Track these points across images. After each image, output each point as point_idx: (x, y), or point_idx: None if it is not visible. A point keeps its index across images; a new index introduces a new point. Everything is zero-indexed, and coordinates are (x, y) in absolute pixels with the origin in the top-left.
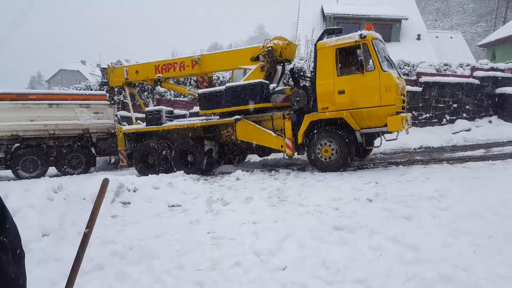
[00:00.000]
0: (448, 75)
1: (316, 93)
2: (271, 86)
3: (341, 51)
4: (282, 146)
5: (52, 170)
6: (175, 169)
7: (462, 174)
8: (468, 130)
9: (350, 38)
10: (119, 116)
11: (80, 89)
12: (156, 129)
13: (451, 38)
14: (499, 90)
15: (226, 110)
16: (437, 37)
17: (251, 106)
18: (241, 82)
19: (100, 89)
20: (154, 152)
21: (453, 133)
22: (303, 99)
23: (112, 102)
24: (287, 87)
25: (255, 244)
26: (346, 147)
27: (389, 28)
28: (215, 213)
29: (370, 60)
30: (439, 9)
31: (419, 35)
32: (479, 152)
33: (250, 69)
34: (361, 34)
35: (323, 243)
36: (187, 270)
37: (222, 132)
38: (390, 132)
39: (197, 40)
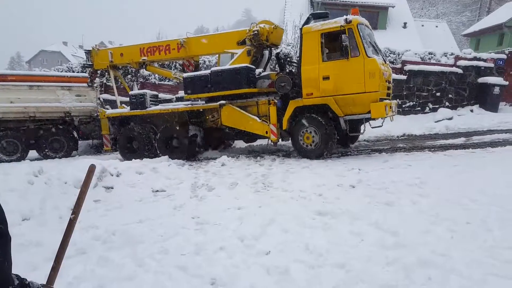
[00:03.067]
0: (432, 64)
1: (301, 78)
2: (257, 71)
3: (326, 36)
4: (266, 132)
5: (32, 153)
6: (160, 154)
7: (443, 162)
8: (450, 118)
9: (335, 22)
10: (101, 99)
11: (62, 71)
12: (140, 113)
13: (437, 27)
14: (481, 80)
15: (211, 95)
16: (423, 25)
17: (236, 91)
18: (227, 66)
19: (83, 71)
20: (139, 137)
21: (435, 122)
22: (288, 84)
23: (90, 85)
24: (273, 72)
25: (240, 229)
26: (327, 134)
27: (376, 15)
28: (200, 198)
29: (355, 46)
30: None
31: (405, 23)
32: (460, 140)
33: (237, 53)
34: (346, 18)
35: (306, 228)
36: (171, 255)
37: (207, 118)
38: (374, 119)
39: (183, 23)
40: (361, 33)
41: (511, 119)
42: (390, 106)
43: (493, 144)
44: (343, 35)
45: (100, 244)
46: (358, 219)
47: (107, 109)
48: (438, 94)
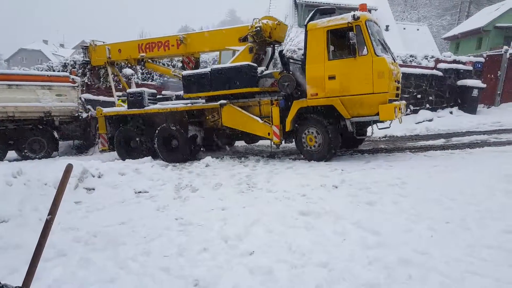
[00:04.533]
0: (413, 66)
1: (305, 77)
2: (260, 69)
3: (332, 33)
4: (269, 134)
5: (11, 154)
6: (159, 155)
7: (423, 162)
8: (431, 120)
9: (342, 19)
10: (83, 99)
11: (42, 70)
12: (138, 112)
13: (418, 30)
14: (460, 82)
15: (211, 94)
16: (404, 28)
17: (237, 91)
18: (227, 64)
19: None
20: (136, 137)
21: (416, 123)
22: (292, 84)
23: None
24: (276, 70)
25: (223, 230)
26: (330, 136)
27: None
28: (184, 199)
29: (363, 44)
30: (407, 1)
31: (387, 26)
32: (440, 141)
33: (238, 50)
34: (354, 15)
35: (290, 228)
36: (154, 256)
37: (208, 118)
38: (383, 121)
39: (166, 23)
40: (369, 30)
41: (489, 121)
42: (400, 108)
43: (471, 145)
44: (350, 32)
45: (81, 246)
46: (341, 218)
47: (89, 109)
48: (419, 96)
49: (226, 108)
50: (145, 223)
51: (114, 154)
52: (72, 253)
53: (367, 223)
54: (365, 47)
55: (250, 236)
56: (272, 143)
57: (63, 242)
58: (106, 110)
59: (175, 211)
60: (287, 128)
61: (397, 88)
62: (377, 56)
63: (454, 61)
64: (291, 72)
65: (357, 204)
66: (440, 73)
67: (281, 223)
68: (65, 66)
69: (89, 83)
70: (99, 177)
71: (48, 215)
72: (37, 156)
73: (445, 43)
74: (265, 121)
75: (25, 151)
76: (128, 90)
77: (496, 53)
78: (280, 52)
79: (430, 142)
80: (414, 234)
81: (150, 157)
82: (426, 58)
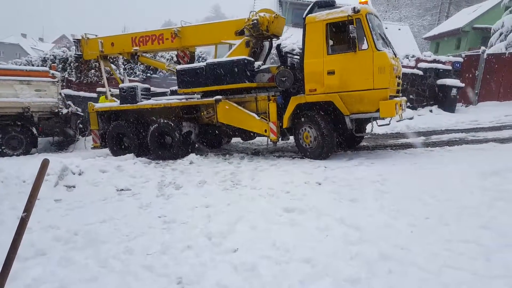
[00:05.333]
0: None
1: (303, 72)
2: (256, 64)
3: (331, 27)
4: (266, 131)
5: None
6: (152, 152)
7: (404, 160)
8: (411, 118)
9: (342, 12)
10: (63, 95)
11: (21, 65)
12: (130, 108)
13: (399, 29)
14: (440, 81)
15: (205, 90)
16: (386, 28)
17: (233, 86)
18: (223, 58)
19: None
20: (129, 133)
21: (397, 121)
22: (289, 79)
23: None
24: (273, 65)
25: (207, 227)
26: (325, 133)
27: None
28: (167, 197)
29: (364, 38)
30: (390, 1)
31: None
32: (420, 139)
33: (235, 44)
34: (354, 7)
35: (274, 224)
36: (136, 255)
37: (202, 114)
38: (383, 118)
39: (149, 18)
40: (370, 24)
41: (467, 119)
42: (400, 104)
43: (450, 143)
44: (350, 26)
45: (61, 244)
46: (324, 215)
47: (69, 105)
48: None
49: (222, 104)
50: (128, 221)
51: (97, 151)
52: (52, 252)
53: (349, 219)
54: (366, 41)
55: (234, 233)
56: (269, 140)
57: (43, 241)
58: (98, 105)
59: (159, 208)
60: (285, 125)
61: (398, 84)
62: (378, 50)
63: (434, 61)
64: (289, 67)
65: (339, 201)
66: (420, 72)
67: (265, 220)
68: (44, 60)
69: (80, 78)
70: (79, 174)
71: (23, 212)
72: (15, 153)
73: (426, 42)
74: (262, 118)
75: (3, 147)
76: (121, 85)
77: (474, 53)
78: (278, 46)
79: (411, 140)
80: (394, 230)
81: (132, 154)
82: (407, 58)
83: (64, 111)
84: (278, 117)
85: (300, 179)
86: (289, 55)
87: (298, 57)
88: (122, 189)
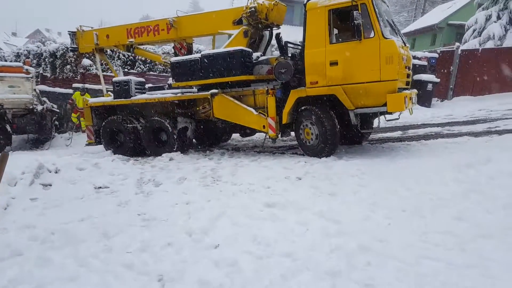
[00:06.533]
0: None
1: (304, 64)
2: (255, 55)
3: (334, 13)
4: (264, 127)
5: None
6: (147, 149)
7: (382, 154)
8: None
9: None
10: (38, 91)
11: None
12: (124, 103)
13: None
14: (416, 77)
15: (201, 83)
16: None
17: (230, 79)
18: (219, 49)
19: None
20: (123, 129)
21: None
22: (289, 71)
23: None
24: (273, 56)
25: (188, 224)
26: (326, 129)
27: None
28: (146, 194)
29: (370, 24)
30: None
31: None
32: (397, 133)
33: (233, 34)
34: None
35: (255, 220)
36: (116, 253)
37: (198, 108)
38: (391, 113)
39: (126, 12)
40: (376, 10)
41: (442, 114)
42: (410, 98)
43: (426, 137)
44: (355, 12)
45: (38, 244)
46: (304, 209)
47: (44, 101)
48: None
49: (218, 98)
50: (106, 219)
51: (73, 150)
52: (28, 252)
53: (328, 213)
54: (372, 29)
55: (215, 229)
56: (267, 136)
57: (19, 241)
58: (92, 100)
59: (138, 206)
60: (284, 121)
61: (408, 76)
62: (386, 38)
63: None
64: (289, 58)
65: (319, 195)
66: None
67: (246, 215)
68: (18, 56)
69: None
70: (56, 172)
71: None
72: None
73: None
74: (260, 113)
75: None
76: (114, 79)
77: (448, 49)
78: (277, 35)
79: (388, 134)
80: (372, 222)
81: (110, 151)
82: None
83: (39, 107)
84: (278, 112)
85: (280, 174)
86: (289, 45)
87: (300, 46)
88: (100, 187)
